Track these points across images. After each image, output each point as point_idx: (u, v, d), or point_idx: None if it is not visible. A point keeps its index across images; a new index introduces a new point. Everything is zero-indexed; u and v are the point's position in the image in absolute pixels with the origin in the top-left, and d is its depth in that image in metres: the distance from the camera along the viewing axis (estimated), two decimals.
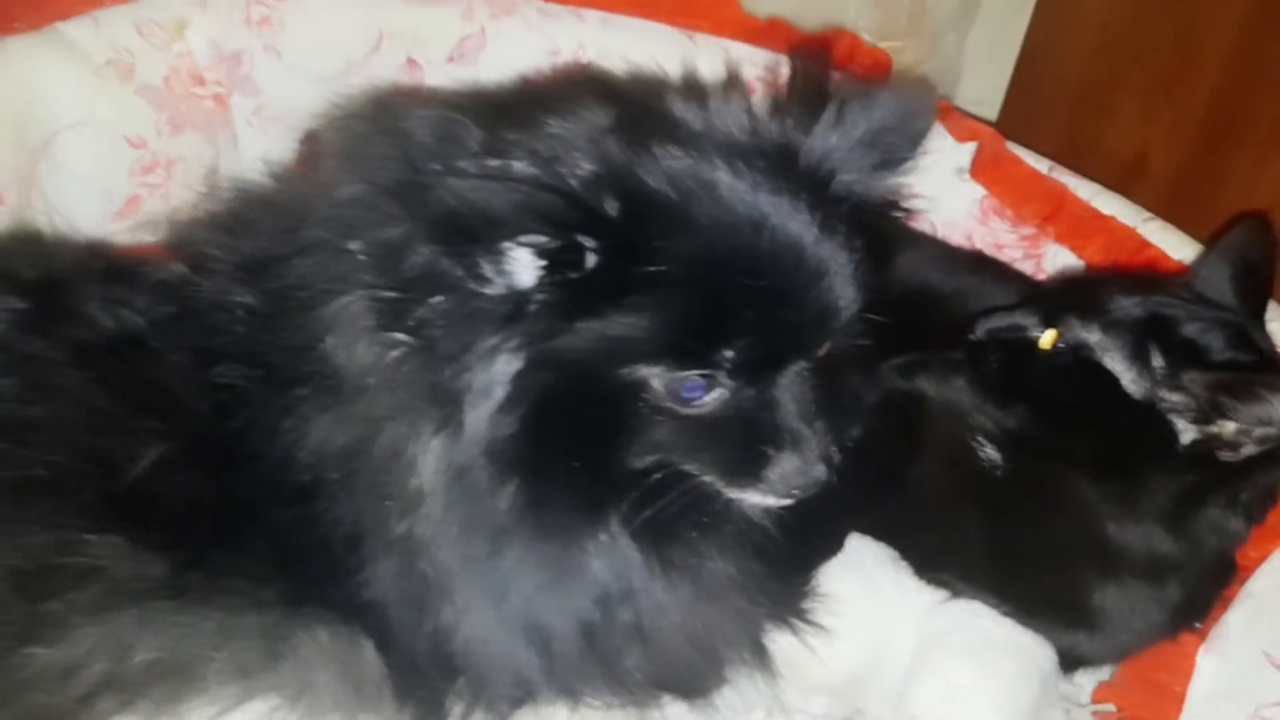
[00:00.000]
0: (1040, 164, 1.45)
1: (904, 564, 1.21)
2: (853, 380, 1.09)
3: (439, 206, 0.81)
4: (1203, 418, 1.08)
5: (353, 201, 0.93)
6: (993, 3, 1.96)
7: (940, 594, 1.20)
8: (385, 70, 1.46)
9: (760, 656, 1.11)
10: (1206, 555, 1.14)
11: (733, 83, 1.03)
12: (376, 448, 0.92)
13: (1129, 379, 1.10)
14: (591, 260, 0.85)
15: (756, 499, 0.97)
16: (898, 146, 0.96)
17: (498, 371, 0.87)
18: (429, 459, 0.91)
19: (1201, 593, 1.18)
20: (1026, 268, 1.46)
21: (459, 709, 1.02)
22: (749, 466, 0.94)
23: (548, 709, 1.05)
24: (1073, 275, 1.39)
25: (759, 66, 1.37)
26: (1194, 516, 1.11)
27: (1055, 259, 1.44)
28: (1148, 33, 1.78)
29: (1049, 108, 1.96)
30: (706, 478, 0.95)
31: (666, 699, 1.08)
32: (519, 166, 0.88)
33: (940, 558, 1.20)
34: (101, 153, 1.36)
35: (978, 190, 1.46)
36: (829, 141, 0.94)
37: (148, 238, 1.24)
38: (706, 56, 1.39)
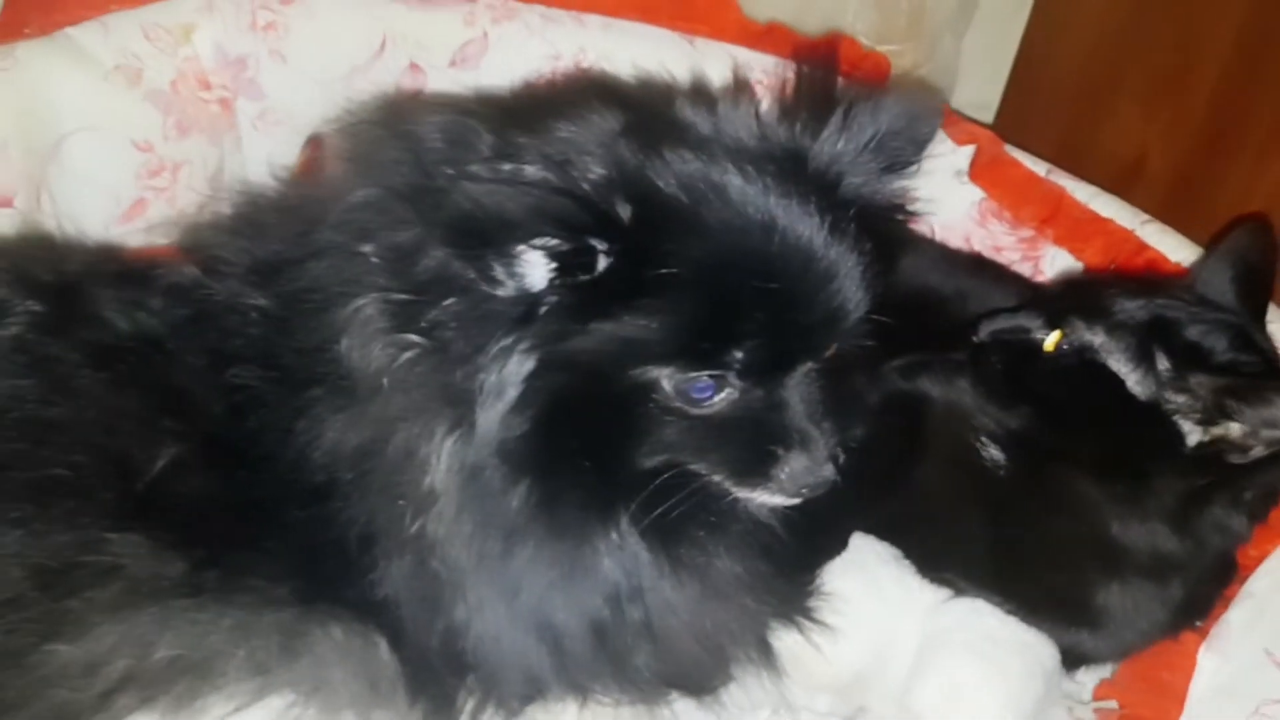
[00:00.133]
0: (1038, 166, 1.45)
1: (907, 563, 1.21)
2: (857, 381, 1.10)
3: (452, 210, 0.82)
4: (1208, 420, 1.09)
5: (365, 205, 0.94)
6: (990, 5, 1.97)
7: (943, 592, 1.20)
8: (388, 75, 1.47)
9: (766, 654, 1.12)
10: (1209, 554, 1.15)
11: (740, 87, 1.04)
12: (390, 448, 0.93)
13: (1133, 380, 1.12)
14: (603, 263, 0.86)
15: (765, 498, 0.98)
16: (904, 150, 0.98)
17: (510, 372, 0.89)
18: (442, 459, 0.92)
19: (1203, 591, 1.19)
20: (1025, 270, 1.46)
21: (470, 705, 1.03)
22: (758, 466, 0.95)
23: (557, 706, 1.06)
24: (1075, 277, 1.40)
25: (759, 70, 1.38)
26: (1198, 516, 1.12)
27: (1054, 261, 1.45)
28: (1145, 34, 1.79)
29: (1046, 110, 1.97)
30: (715, 477, 0.96)
31: (674, 696, 1.09)
32: (530, 170, 0.89)
33: (943, 557, 1.21)
34: (109, 156, 1.37)
35: (976, 193, 1.46)
36: (836, 146, 0.96)
37: (157, 240, 1.25)
38: (707, 61, 1.40)
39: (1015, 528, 1.18)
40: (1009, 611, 1.19)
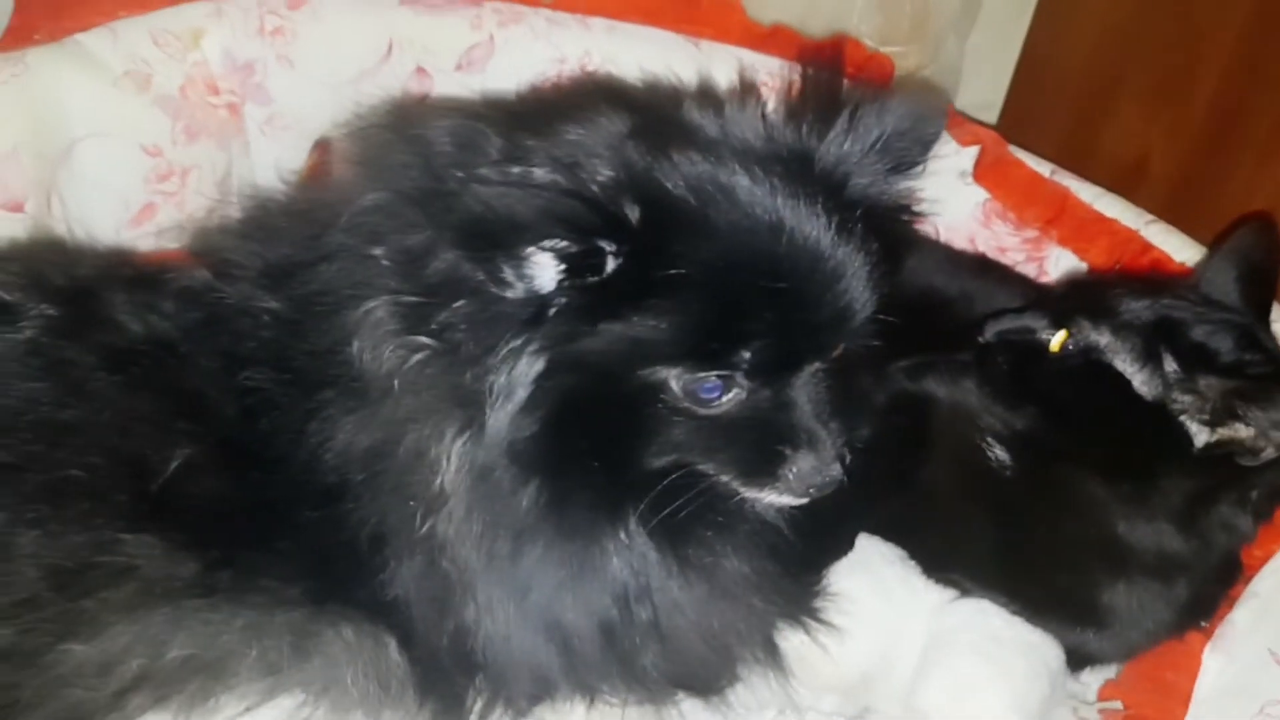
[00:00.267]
0: (1042, 167, 1.46)
1: (913, 563, 1.22)
2: (863, 381, 1.11)
3: (462, 213, 0.83)
4: (1216, 421, 1.09)
5: (376, 209, 0.94)
6: (993, 6, 1.97)
7: (949, 593, 1.21)
8: (395, 79, 1.48)
9: (773, 654, 1.13)
10: (1215, 554, 1.15)
11: (746, 89, 1.05)
12: (401, 449, 0.94)
13: (1139, 381, 1.12)
14: (612, 264, 0.87)
15: (772, 498, 0.98)
16: (909, 151, 0.99)
17: (519, 373, 0.89)
18: (452, 460, 0.93)
19: (1209, 591, 1.19)
20: (1029, 270, 1.47)
21: (479, 705, 1.03)
22: (765, 466, 0.95)
23: (565, 706, 1.06)
24: (1080, 278, 1.40)
25: (764, 73, 1.38)
26: (1205, 515, 1.12)
27: (1058, 262, 1.45)
28: (1148, 35, 1.80)
29: (1050, 111, 1.98)
30: (723, 477, 0.97)
31: (681, 696, 1.09)
32: (539, 173, 0.90)
33: (949, 557, 1.21)
34: (118, 161, 1.38)
35: (980, 194, 1.47)
36: (843, 147, 0.96)
37: (168, 244, 1.25)
38: (712, 63, 1.41)
39: (1021, 528, 1.18)
40: (1014, 612, 1.19)
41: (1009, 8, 2.00)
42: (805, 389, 0.94)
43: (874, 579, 1.20)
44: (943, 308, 1.36)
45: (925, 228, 1.45)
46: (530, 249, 0.84)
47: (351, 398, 0.95)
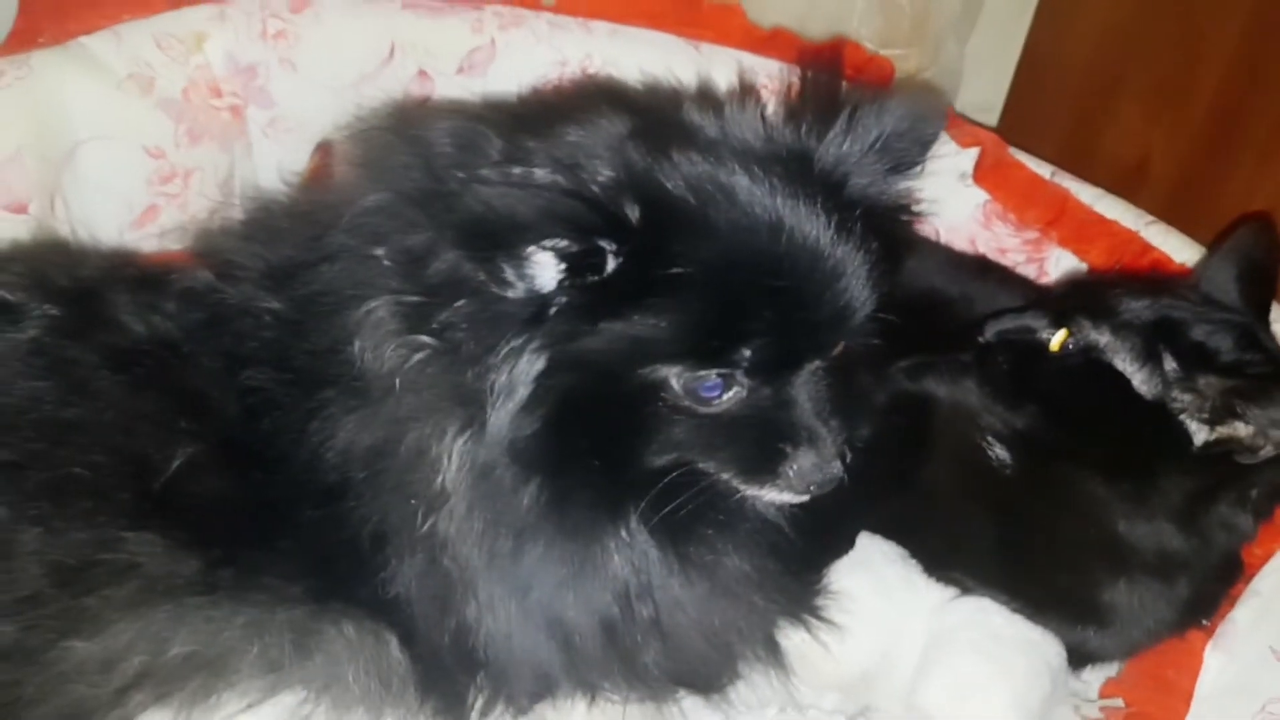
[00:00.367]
0: (1042, 168, 1.46)
1: (914, 562, 1.22)
2: (863, 380, 1.11)
3: (463, 213, 0.83)
4: (1216, 419, 1.10)
5: (377, 209, 0.95)
6: (993, 8, 1.97)
7: (950, 591, 1.21)
8: (397, 82, 1.48)
9: (774, 652, 1.13)
10: (1216, 552, 1.15)
11: (747, 91, 1.05)
12: (402, 448, 0.94)
13: (1139, 380, 1.12)
14: (612, 263, 0.87)
15: (773, 496, 0.99)
16: (909, 151, 0.99)
17: (520, 372, 0.90)
18: (453, 458, 0.93)
19: (1210, 589, 1.19)
20: (1030, 271, 1.47)
21: (479, 703, 1.04)
22: (766, 464, 0.96)
23: (566, 704, 1.07)
24: (1080, 278, 1.41)
25: (764, 75, 1.39)
26: (1205, 514, 1.12)
27: (1059, 263, 1.46)
28: (1149, 36, 1.80)
29: (1050, 112, 1.98)
30: (724, 475, 0.97)
31: (683, 694, 1.10)
32: (540, 173, 0.91)
33: (950, 556, 1.22)
34: (121, 164, 1.39)
35: (981, 195, 1.47)
36: (842, 147, 0.97)
37: (170, 246, 1.26)
38: (713, 66, 1.41)
39: (1021, 527, 1.19)
40: (1015, 610, 1.19)
41: (1009, 9, 2.00)
42: (805, 387, 0.95)
43: (875, 577, 1.20)
44: (943, 309, 1.36)
45: (926, 229, 1.45)
46: (531, 248, 0.85)
47: (353, 397, 0.95)
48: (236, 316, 1.02)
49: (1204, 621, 1.20)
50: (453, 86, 1.49)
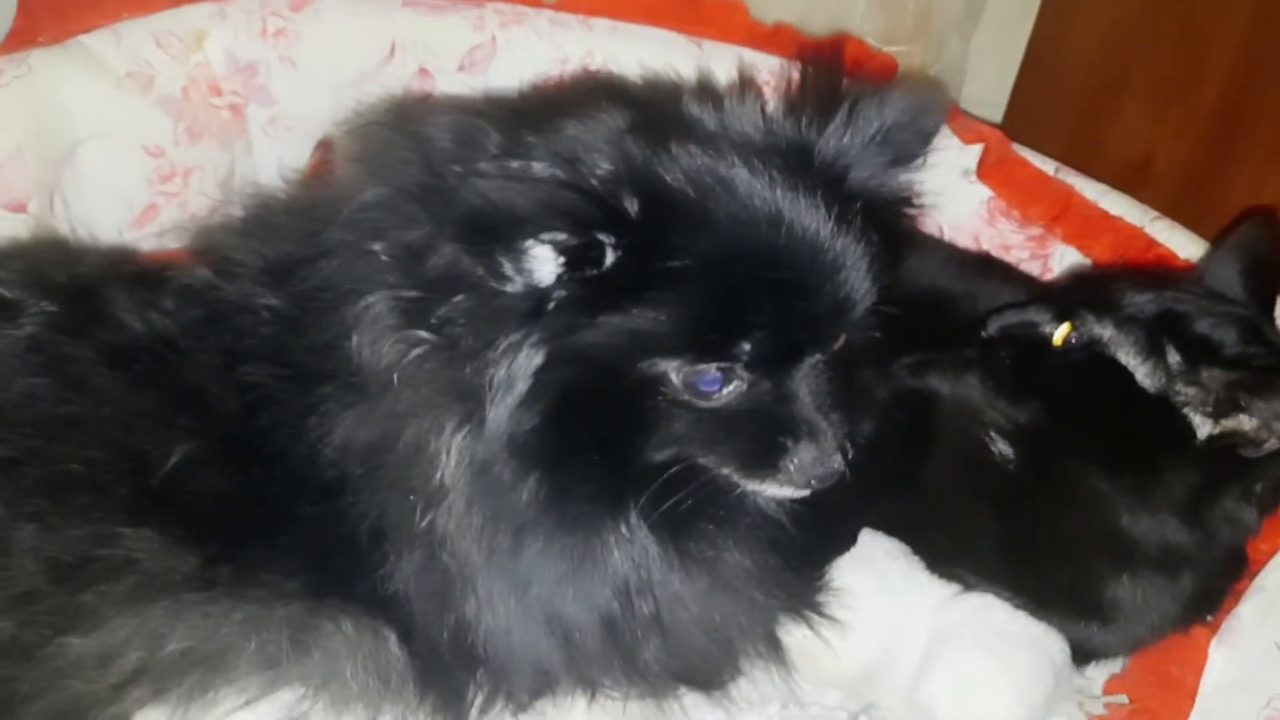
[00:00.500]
0: (1046, 165, 1.46)
1: (916, 558, 1.22)
2: (865, 376, 1.11)
3: (461, 207, 0.83)
4: (1220, 413, 1.09)
5: (375, 204, 0.95)
6: (997, 4, 1.97)
7: (952, 587, 1.21)
8: (398, 79, 1.49)
9: (775, 649, 1.13)
10: (1220, 547, 1.15)
11: (746, 84, 1.05)
12: (400, 443, 0.94)
13: (1143, 374, 1.12)
14: (611, 257, 0.87)
15: (774, 490, 0.98)
16: (909, 144, 0.99)
17: (519, 367, 0.89)
18: (452, 454, 0.93)
19: (1214, 585, 1.19)
20: (1034, 268, 1.47)
21: (479, 699, 1.03)
22: (766, 458, 0.95)
23: (566, 700, 1.06)
24: (1084, 272, 1.40)
25: (765, 71, 1.38)
26: (1209, 508, 1.12)
27: (1063, 259, 1.45)
28: (1153, 33, 1.80)
29: (1054, 109, 1.98)
30: (724, 470, 0.97)
31: (683, 690, 1.09)
32: (539, 167, 0.90)
33: (953, 552, 1.21)
34: (121, 162, 1.39)
35: (984, 191, 1.47)
36: (842, 140, 0.96)
37: (170, 244, 1.26)
38: (714, 62, 1.41)
39: (1025, 522, 1.18)
40: (1018, 606, 1.19)
41: (1013, 6, 2.00)
42: (806, 380, 0.94)
43: (877, 574, 1.20)
44: (947, 306, 1.36)
45: (929, 226, 1.45)
46: (529, 242, 0.84)
47: (351, 393, 0.95)
48: (235, 313, 1.02)
49: (1208, 617, 1.19)
50: (453, 84, 1.49)
